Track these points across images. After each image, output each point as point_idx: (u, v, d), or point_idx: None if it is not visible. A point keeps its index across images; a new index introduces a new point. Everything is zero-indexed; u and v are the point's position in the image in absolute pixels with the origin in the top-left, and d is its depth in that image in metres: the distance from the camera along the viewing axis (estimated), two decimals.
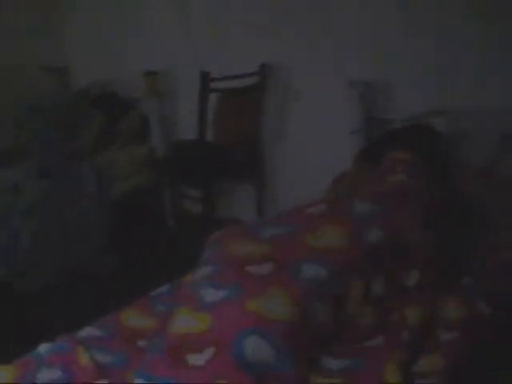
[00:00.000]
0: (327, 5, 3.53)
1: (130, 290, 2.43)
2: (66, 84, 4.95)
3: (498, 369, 1.77)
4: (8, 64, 4.58)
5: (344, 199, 2.32)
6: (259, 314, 1.77)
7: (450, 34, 3.12)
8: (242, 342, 1.71)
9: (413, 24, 3.22)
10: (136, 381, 1.70)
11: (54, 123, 4.15)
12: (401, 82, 3.34)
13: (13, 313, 3.13)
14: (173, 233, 4.28)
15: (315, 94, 3.66)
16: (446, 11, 3.12)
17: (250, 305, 1.80)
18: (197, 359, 1.71)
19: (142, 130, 4.39)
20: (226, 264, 1.99)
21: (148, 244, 3.96)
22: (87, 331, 2.04)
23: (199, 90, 3.63)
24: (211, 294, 1.88)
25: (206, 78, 3.60)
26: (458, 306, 1.92)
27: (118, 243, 3.82)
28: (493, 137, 2.91)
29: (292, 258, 1.95)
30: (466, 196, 2.52)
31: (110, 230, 3.85)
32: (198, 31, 4.12)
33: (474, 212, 2.43)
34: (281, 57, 3.77)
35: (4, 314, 3.12)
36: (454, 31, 3.10)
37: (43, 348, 1.93)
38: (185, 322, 1.83)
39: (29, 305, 3.18)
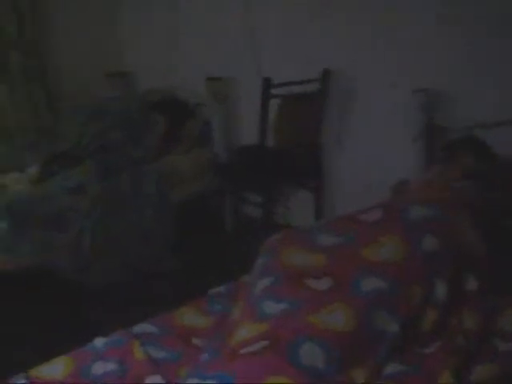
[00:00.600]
0: (391, 14, 3.50)
1: (188, 290, 2.46)
2: (131, 89, 5.07)
3: None
4: (74, 70, 4.72)
5: (400, 204, 2.29)
6: (318, 326, 1.77)
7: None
8: (298, 346, 1.72)
9: (479, 36, 3.16)
10: (190, 380, 1.72)
11: (117, 127, 4.22)
12: (463, 91, 3.28)
13: (75, 308, 3.22)
14: (232, 237, 4.30)
15: (377, 101, 3.64)
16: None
17: (310, 318, 1.80)
18: (251, 352, 1.72)
19: (205, 135, 4.43)
20: (285, 276, 1.99)
21: (208, 247, 4.00)
22: (143, 327, 2.07)
23: (261, 96, 3.64)
24: (271, 307, 1.88)
25: (267, 84, 3.61)
26: None
27: (179, 246, 3.87)
28: None
29: (350, 273, 1.94)
30: None
31: (172, 232, 3.90)
32: (261, 37, 4.13)
33: None
34: (343, 63, 3.75)
35: (67, 309, 3.21)
36: None
37: (99, 341, 1.97)
38: (244, 333, 1.84)
39: (91, 301, 3.26)
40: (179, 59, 4.73)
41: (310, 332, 1.76)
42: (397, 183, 2.98)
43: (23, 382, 1.79)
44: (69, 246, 3.48)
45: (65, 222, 3.50)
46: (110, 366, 1.84)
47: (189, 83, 4.54)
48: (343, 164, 3.95)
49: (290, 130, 3.96)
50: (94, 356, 1.90)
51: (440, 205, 2.17)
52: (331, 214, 3.97)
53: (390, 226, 2.10)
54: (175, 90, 4.62)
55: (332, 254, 2.04)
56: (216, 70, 4.36)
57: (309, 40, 3.89)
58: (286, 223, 4.18)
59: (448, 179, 2.56)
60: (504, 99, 3.10)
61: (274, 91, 3.64)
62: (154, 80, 4.78)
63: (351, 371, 1.73)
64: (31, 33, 4.53)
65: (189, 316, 2.16)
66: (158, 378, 1.77)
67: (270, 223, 3.97)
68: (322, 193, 4.07)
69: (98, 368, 1.84)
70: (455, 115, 3.30)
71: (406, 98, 3.34)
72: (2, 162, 3.97)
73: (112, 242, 3.60)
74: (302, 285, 1.94)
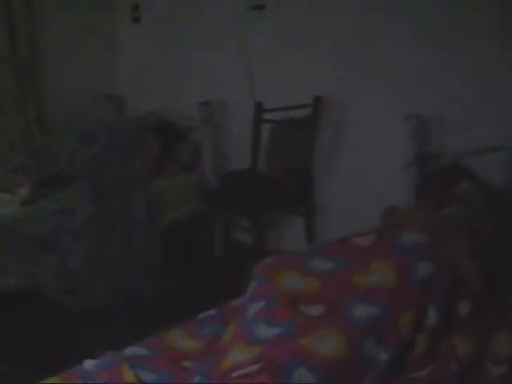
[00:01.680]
0: (382, 41, 3.53)
1: (177, 314, 2.45)
2: (123, 112, 5.08)
3: None
4: (67, 91, 4.73)
5: (392, 230, 2.30)
6: (311, 351, 1.78)
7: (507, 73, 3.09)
8: (290, 370, 1.72)
9: (470, 61, 3.20)
10: None
11: (109, 149, 4.22)
12: (455, 117, 3.31)
13: (62, 330, 3.19)
14: (221, 261, 4.29)
15: (368, 127, 3.65)
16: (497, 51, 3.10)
17: (302, 341, 1.81)
18: (243, 375, 1.71)
19: (196, 158, 4.44)
20: (278, 300, 1.99)
21: (197, 271, 3.99)
22: (133, 350, 2.06)
23: (253, 121, 3.65)
24: (264, 331, 1.88)
25: (259, 109, 3.63)
26: (509, 340, 1.87)
27: (167, 269, 3.85)
28: None
29: (342, 299, 1.94)
30: None
31: (160, 255, 3.89)
32: (254, 63, 4.16)
33: None
34: (334, 90, 3.77)
35: (53, 330, 3.18)
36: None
37: (88, 363, 1.95)
38: (236, 356, 1.83)
39: (77, 323, 3.22)
40: (173, 83, 4.75)
41: (303, 357, 1.76)
42: (386, 210, 2.98)
43: None
44: (57, 267, 3.45)
45: (54, 244, 3.49)
46: None
47: (182, 107, 4.55)
48: (334, 190, 3.96)
49: (281, 156, 3.97)
50: (83, 378, 1.88)
51: (432, 229, 2.18)
52: (323, 239, 3.97)
53: (383, 252, 2.10)
54: (168, 114, 4.64)
55: (325, 279, 2.04)
56: (209, 94, 4.37)
57: (302, 66, 3.92)
58: (277, 248, 4.16)
59: (436, 206, 2.56)
60: (496, 125, 3.12)
61: (265, 116, 3.65)
62: (147, 103, 4.79)
63: None
64: (23, 49, 4.51)
65: (179, 339, 2.15)
66: None
67: (260, 248, 3.96)
68: (312, 219, 4.07)
69: None
70: (447, 141, 3.32)
71: (397, 125, 3.36)
72: None
73: (101, 264, 3.59)
74: (296, 310, 1.94)
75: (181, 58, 4.71)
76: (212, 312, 2.34)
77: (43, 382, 1.88)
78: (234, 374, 1.73)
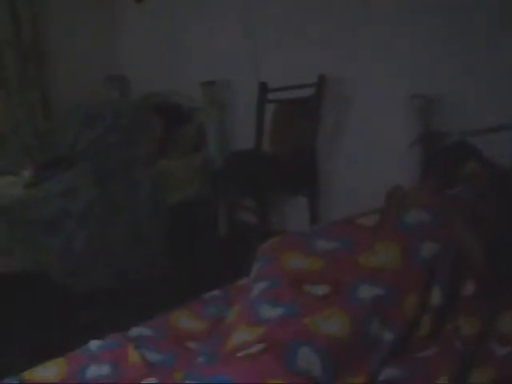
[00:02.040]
0: (390, 19, 3.50)
1: (181, 295, 2.45)
2: (127, 93, 5.06)
3: None
4: (71, 73, 4.71)
5: (396, 209, 2.28)
6: (315, 331, 1.77)
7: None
8: (295, 350, 1.71)
9: (476, 38, 3.17)
10: (186, 382, 1.71)
11: (113, 131, 4.21)
12: (461, 96, 3.29)
13: (66, 312, 3.20)
14: (226, 242, 4.29)
15: (373, 106, 3.64)
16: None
17: (306, 321, 1.80)
18: (248, 355, 1.71)
19: (200, 139, 4.42)
20: (282, 280, 1.98)
21: (201, 252, 3.99)
22: (137, 330, 2.07)
23: (257, 101, 3.63)
24: (268, 311, 1.88)
25: (263, 89, 3.61)
26: None
27: (171, 250, 3.85)
28: None
29: (347, 279, 1.94)
30: None
31: (165, 236, 3.89)
32: (258, 42, 4.13)
33: None
34: (339, 69, 3.75)
35: (57, 312, 3.19)
36: None
37: (93, 344, 1.96)
38: (240, 336, 1.83)
39: (82, 305, 3.24)
40: (176, 63, 4.73)
41: (307, 337, 1.76)
42: (392, 189, 2.97)
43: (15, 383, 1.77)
44: (61, 249, 3.46)
45: (58, 226, 3.49)
46: (104, 369, 1.83)
47: (185, 87, 4.53)
48: (339, 170, 3.95)
49: (286, 136, 3.96)
50: (88, 359, 1.89)
51: (437, 209, 2.16)
52: (326, 220, 3.95)
53: (388, 232, 2.09)
54: (171, 95, 4.62)
55: (330, 259, 2.03)
56: (213, 74, 4.35)
57: (306, 45, 3.89)
58: (281, 229, 4.16)
59: (441, 185, 2.55)
60: (502, 105, 3.10)
61: (270, 96, 3.63)
62: (150, 84, 4.77)
63: (347, 378, 1.72)
64: (27, 34, 4.50)
65: (184, 319, 2.15)
66: (152, 381, 1.76)
67: (264, 229, 3.96)
68: (317, 199, 4.05)
69: (92, 371, 1.83)
70: (453, 121, 3.29)
71: (402, 104, 3.34)
72: None
73: (105, 246, 3.59)
74: (300, 290, 1.94)
75: (184, 38, 4.68)
76: (216, 292, 2.34)
77: (48, 362, 1.88)
78: (238, 354, 1.73)
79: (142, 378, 1.78)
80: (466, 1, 3.17)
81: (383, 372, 1.75)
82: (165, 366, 1.86)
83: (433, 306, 1.90)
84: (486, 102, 3.17)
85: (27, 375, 1.83)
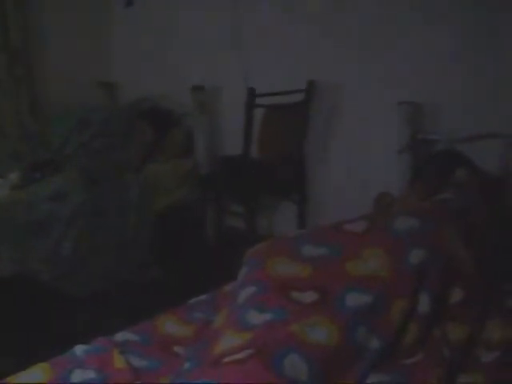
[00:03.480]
0: (376, 27, 3.51)
1: (169, 300, 2.43)
2: (116, 98, 5.05)
3: None
4: (60, 78, 4.69)
5: (384, 216, 2.28)
6: (302, 338, 1.77)
7: (500, 59, 3.08)
8: (282, 357, 1.71)
9: (464, 49, 3.19)
10: None
11: (102, 135, 4.19)
12: (449, 104, 3.31)
13: (53, 316, 3.18)
14: (214, 247, 4.28)
15: (362, 113, 3.65)
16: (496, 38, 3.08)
17: (293, 328, 1.80)
18: (235, 360, 1.71)
19: (188, 144, 4.42)
20: (269, 286, 1.98)
21: (190, 257, 3.97)
22: (123, 335, 2.05)
23: (245, 105, 3.63)
24: (255, 317, 1.87)
25: (252, 94, 3.60)
26: (502, 326, 1.86)
27: (159, 255, 3.84)
28: None
29: (334, 287, 1.93)
30: None
31: (153, 241, 3.87)
32: (246, 47, 4.13)
33: None
34: (328, 75, 3.76)
35: (45, 317, 3.17)
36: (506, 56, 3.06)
37: (79, 349, 1.94)
38: (227, 342, 1.83)
39: (70, 309, 3.22)
40: (165, 69, 4.71)
41: (294, 344, 1.75)
42: (380, 195, 2.98)
43: None
44: (48, 253, 3.44)
45: (45, 230, 3.46)
46: (89, 374, 1.81)
47: (174, 93, 4.52)
48: (327, 176, 3.95)
49: (274, 141, 3.95)
50: (74, 363, 1.87)
51: (426, 216, 2.16)
52: (314, 225, 3.95)
53: (376, 239, 2.09)
54: (161, 99, 4.60)
55: (317, 266, 2.02)
56: (201, 79, 4.34)
57: (295, 50, 3.90)
58: (270, 234, 4.16)
59: (431, 192, 2.55)
60: (493, 112, 3.11)
61: (258, 101, 3.63)
62: (140, 89, 4.75)
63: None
64: (16, 36, 4.47)
65: (170, 324, 2.14)
66: None
67: (253, 234, 3.95)
68: (305, 204, 4.06)
69: (77, 376, 1.81)
70: (441, 128, 3.31)
71: (391, 111, 3.35)
72: None
73: (93, 250, 3.57)
74: (287, 296, 1.93)
75: (173, 43, 4.67)
76: (203, 297, 2.33)
77: (33, 367, 1.87)
78: (225, 360, 1.72)
79: (127, 383, 1.76)
80: (453, 7, 3.19)
81: (370, 377, 1.75)
82: (151, 371, 1.85)
83: (420, 313, 1.90)
84: (474, 109, 3.19)
85: (12, 380, 1.81)
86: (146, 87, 4.75)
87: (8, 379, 1.81)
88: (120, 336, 2.04)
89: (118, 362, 1.86)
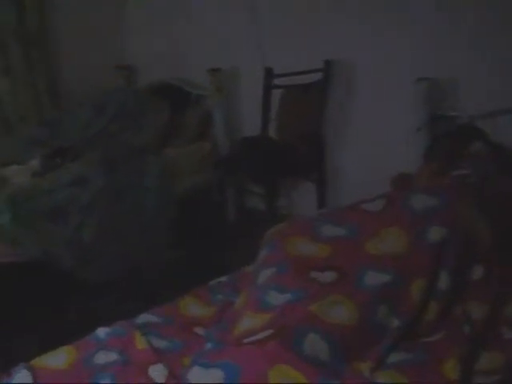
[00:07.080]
0: (393, 3, 3.48)
1: (190, 282, 2.44)
2: (133, 82, 5.06)
3: None
4: (77, 62, 4.71)
5: (401, 194, 2.27)
6: (322, 317, 1.78)
7: None
8: (302, 336, 1.72)
9: (482, 24, 3.15)
10: (193, 369, 1.71)
11: (120, 119, 4.21)
12: (467, 79, 3.27)
13: (75, 301, 3.22)
14: (235, 229, 4.29)
15: (379, 91, 3.61)
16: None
17: (313, 308, 1.81)
18: (256, 341, 1.72)
19: (206, 126, 4.42)
20: (289, 266, 1.99)
21: (210, 239, 3.99)
22: (145, 317, 2.08)
23: (263, 87, 3.62)
24: (275, 298, 1.88)
25: (269, 74, 3.60)
26: None
27: (180, 238, 3.85)
28: None
29: (354, 266, 1.94)
30: None
31: (173, 225, 3.89)
32: (263, 27, 4.10)
33: None
34: (345, 54, 3.73)
35: (66, 302, 3.20)
36: None
37: (101, 331, 1.97)
38: (248, 322, 1.84)
39: (91, 293, 3.24)
40: (182, 51, 4.71)
41: (314, 323, 1.77)
42: (397, 176, 2.96)
43: (25, 372, 1.78)
44: (69, 239, 3.46)
45: (66, 215, 3.48)
46: (112, 356, 1.84)
47: (191, 75, 4.51)
48: (346, 155, 3.93)
49: (292, 121, 3.95)
50: (97, 346, 1.91)
51: (444, 192, 2.15)
52: (334, 205, 3.95)
53: (394, 217, 2.08)
54: (178, 82, 4.60)
55: (336, 245, 2.03)
56: (219, 61, 4.33)
57: (312, 30, 3.87)
58: (289, 215, 4.16)
59: (448, 167, 2.53)
60: (508, 87, 3.08)
61: (276, 81, 3.62)
62: (158, 73, 4.75)
63: (355, 363, 1.74)
64: (32, 21, 4.48)
65: (191, 306, 2.16)
66: (160, 367, 1.77)
67: (273, 215, 3.96)
68: (324, 184, 4.05)
69: (101, 358, 1.85)
70: (463, 104, 3.27)
71: (408, 87, 3.32)
72: (4, 155, 3.95)
73: (114, 235, 3.59)
74: (307, 276, 1.94)
75: (191, 25, 4.65)
76: (224, 279, 2.35)
77: (57, 350, 1.90)
78: (245, 340, 1.73)
79: (149, 364, 1.79)
80: None
81: (391, 356, 1.76)
82: (173, 352, 1.87)
83: (441, 291, 1.89)
84: (497, 85, 3.15)
85: (36, 363, 1.84)
86: (164, 71, 4.75)
87: (33, 362, 1.84)
88: (141, 318, 2.07)
89: (140, 343, 1.88)
